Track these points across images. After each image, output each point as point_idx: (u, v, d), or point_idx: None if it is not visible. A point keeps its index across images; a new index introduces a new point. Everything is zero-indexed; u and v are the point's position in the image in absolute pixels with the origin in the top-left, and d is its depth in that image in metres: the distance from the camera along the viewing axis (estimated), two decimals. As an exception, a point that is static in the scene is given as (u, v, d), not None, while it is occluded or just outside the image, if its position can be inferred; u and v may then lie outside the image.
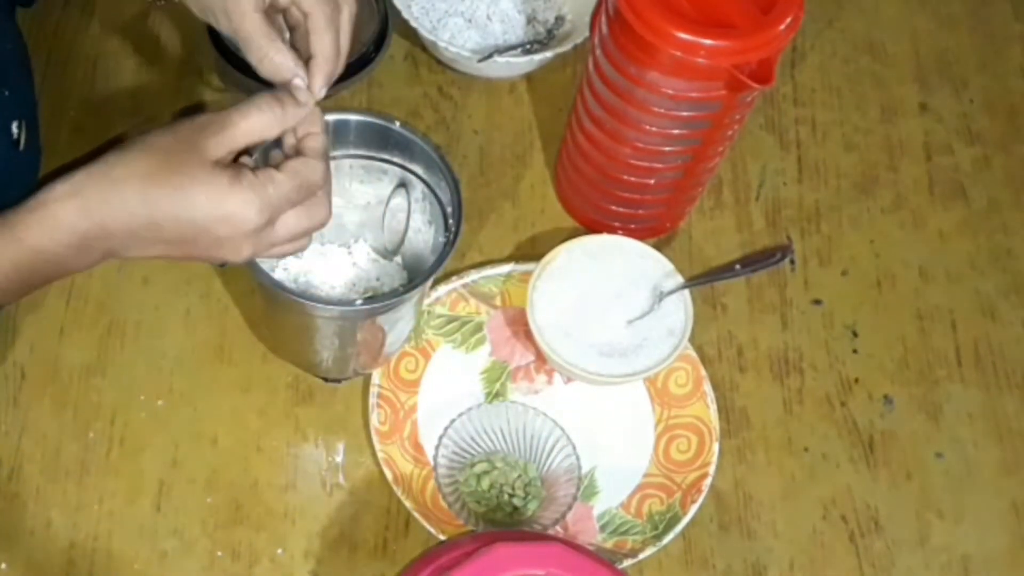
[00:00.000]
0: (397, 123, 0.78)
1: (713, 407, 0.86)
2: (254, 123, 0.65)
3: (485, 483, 0.83)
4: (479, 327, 0.89)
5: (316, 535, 0.81)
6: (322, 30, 0.70)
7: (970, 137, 1.04)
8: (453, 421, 0.84)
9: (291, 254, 0.71)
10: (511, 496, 0.83)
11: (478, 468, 0.84)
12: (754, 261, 0.92)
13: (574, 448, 0.83)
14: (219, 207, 0.63)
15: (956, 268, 0.98)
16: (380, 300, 0.75)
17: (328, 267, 0.85)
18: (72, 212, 0.63)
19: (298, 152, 0.68)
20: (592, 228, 0.93)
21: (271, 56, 0.69)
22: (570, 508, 0.81)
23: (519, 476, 0.84)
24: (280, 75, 0.69)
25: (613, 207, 0.91)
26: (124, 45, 0.98)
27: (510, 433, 0.84)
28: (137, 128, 0.65)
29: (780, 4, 0.75)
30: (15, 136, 0.83)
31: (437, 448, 0.83)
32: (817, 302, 0.95)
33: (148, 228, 0.64)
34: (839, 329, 0.94)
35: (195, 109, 0.76)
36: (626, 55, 0.78)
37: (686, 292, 0.86)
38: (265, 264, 0.77)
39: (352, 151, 0.80)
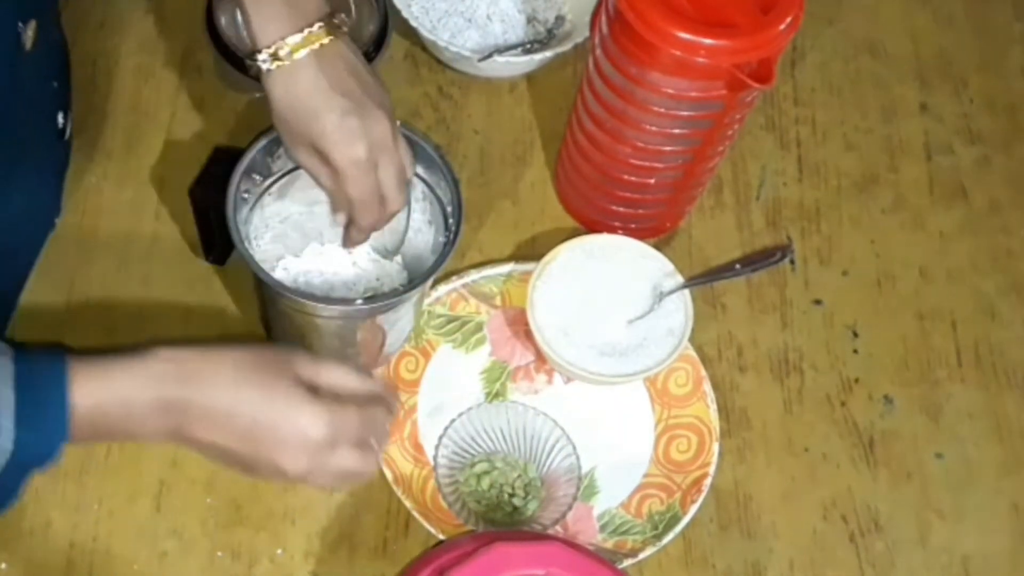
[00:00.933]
0: (397, 123, 0.78)
1: (713, 407, 0.86)
2: (341, 375, 0.69)
3: (485, 483, 0.83)
4: (479, 327, 0.89)
5: (316, 535, 0.81)
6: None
7: (970, 137, 1.04)
8: (453, 421, 0.84)
9: (333, 488, 0.77)
10: (511, 496, 0.83)
11: (478, 468, 0.84)
12: (754, 261, 0.92)
13: (574, 448, 0.83)
14: (293, 413, 0.67)
15: (956, 268, 0.97)
16: (380, 300, 0.75)
17: (328, 267, 0.85)
18: (167, 374, 0.66)
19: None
20: (592, 228, 0.93)
21: None
22: (570, 508, 0.81)
23: (519, 476, 0.84)
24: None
25: (613, 207, 0.91)
26: (124, 45, 0.98)
27: (510, 433, 0.84)
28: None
29: (780, 4, 0.75)
30: (61, 125, 0.87)
31: (437, 448, 0.83)
32: (817, 302, 0.95)
33: (225, 415, 0.67)
34: (839, 329, 0.94)
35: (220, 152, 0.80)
36: (626, 55, 0.78)
37: (686, 292, 0.86)
38: (265, 264, 0.77)
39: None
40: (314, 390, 0.68)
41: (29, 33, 0.77)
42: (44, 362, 0.64)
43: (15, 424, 0.62)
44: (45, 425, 0.63)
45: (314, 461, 0.68)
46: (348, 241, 0.80)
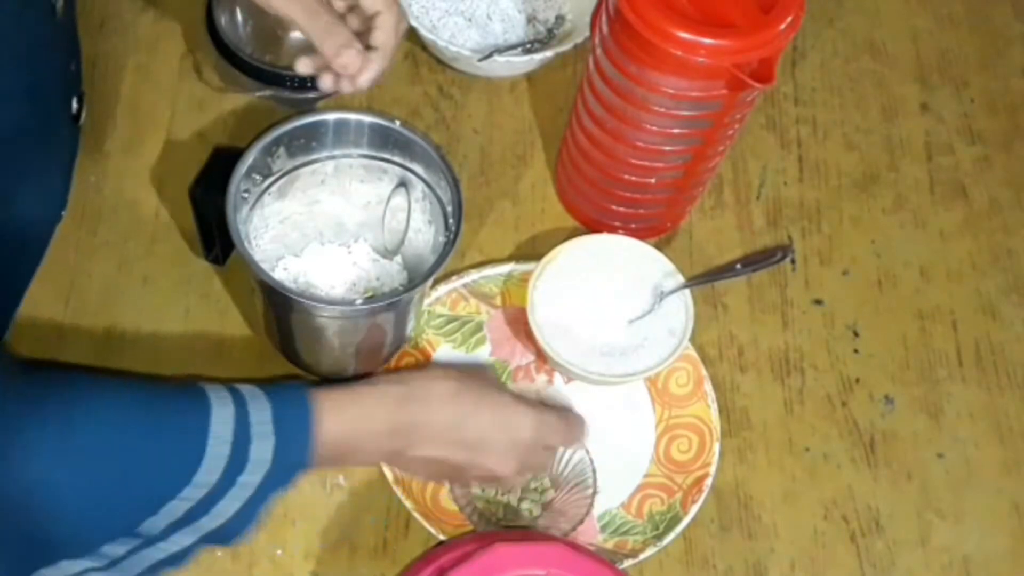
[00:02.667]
0: (397, 122, 0.78)
1: (714, 407, 0.86)
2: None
3: (493, 489, 0.83)
4: (479, 327, 0.89)
5: (316, 535, 0.81)
6: (389, 29, 0.76)
7: (971, 137, 1.04)
8: None
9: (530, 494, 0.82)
10: (520, 501, 0.83)
11: None
12: (755, 261, 0.92)
13: (592, 462, 0.84)
14: (505, 413, 0.76)
15: (957, 268, 0.97)
16: (380, 300, 0.75)
17: (328, 267, 0.85)
18: (398, 398, 0.72)
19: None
20: (593, 228, 0.93)
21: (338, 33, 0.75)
22: (588, 514, 0.82)
23: (531, 480, 0.83)
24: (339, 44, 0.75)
25: (614, 206, 0.91)
26: (124, 45, 0.98)
27: None
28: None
29: (781, 3, 0.75)
30: (75, 111, 0.88)
31: None
32: (818, 302, 0.94)
33: (450, 429, 0.73)
34: (840, 329, 0.93)
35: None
36: (627, 54, 0.78)
37: (687, 292, 0.86)
38: (265, 264, 0.77)
39: (352, 150, 0.80)
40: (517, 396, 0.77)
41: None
42: (291, 396, 0.69)
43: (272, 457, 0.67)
44: (292, 454, 0.68)
45: (524, 460, 0.76)
46: (335, 83, 0.78)
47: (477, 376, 0.77)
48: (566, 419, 0.81)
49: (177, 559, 0.67)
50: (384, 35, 0.77)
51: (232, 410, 0.66)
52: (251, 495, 0.66)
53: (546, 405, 0.80)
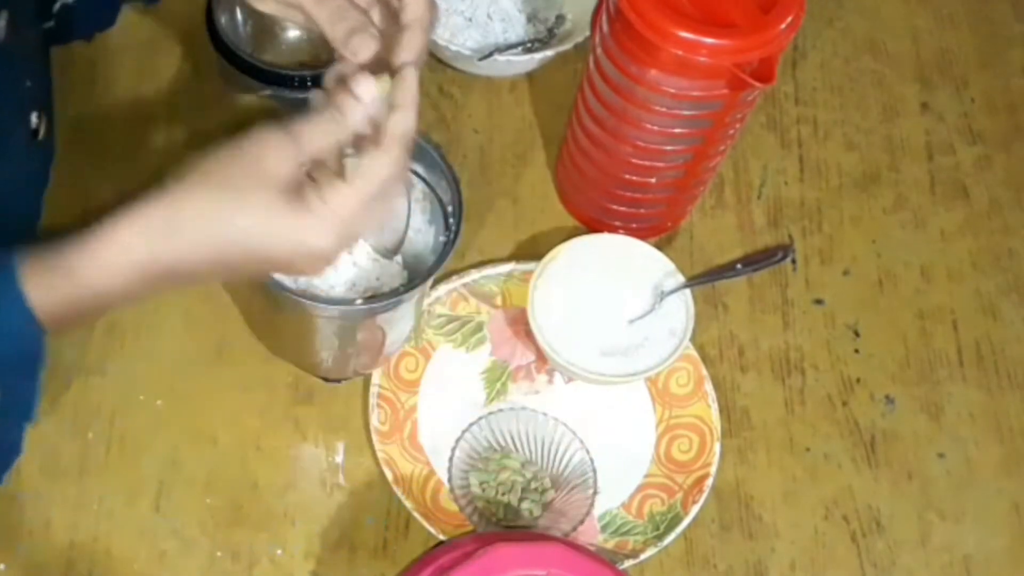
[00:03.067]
0: None
1: (714, 407, 0.86)
2: (316, 130, 0.61)
3: (494, 489, 0.83)
4: (479, 327, 0.89)
5: (316, 535, 0.81)
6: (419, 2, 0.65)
7: (971, 137, 1.04)
8: (472, 424, 0.84)
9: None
10: (520, 501, 0.83)
11: (491, 470, 0.83)
12: (755, 260, 0.92)
13: (592, 463, 0.83)
14: (292, 237, 0.60)
15: (957, 268, 0.97)
16: (380, 300, 0.75)
17: (328, 267, 0.85)
18: (135, 252, 0.59)
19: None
20: (593, 227, 0.93)
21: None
22: (588, 514, 0.81)
23: (532, 480, 0.83)
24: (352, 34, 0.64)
25: (614, 206, 0.91)
26: (124, 45, 0.98)
27: (528, 439, 0.85)
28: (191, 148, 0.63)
29: (781, 3, 0.75)
30: (35, 126, 0.84)
31: (454, 449, 0.83)
32: (818, 302, 0.94)
33: (214, 263, 0.61)
34: (840, 329, 0.93)
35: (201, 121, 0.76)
36: (627, 54, 0.78)
37: (687, 292, 0.86)
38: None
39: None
40: (300, 188, 0.60)
41: (1, 23, 0.74)
42: None
43: None
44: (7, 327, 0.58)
45: (340, 248, 0.62)
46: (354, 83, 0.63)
47: (243, 181, 0.60)
48: (374, 186, 0.61)
49: None
50: (415, 6, 0.65)
51: None
52: None
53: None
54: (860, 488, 0.87)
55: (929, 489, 0.88)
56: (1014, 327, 0.95)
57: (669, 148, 0.83)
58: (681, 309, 0.85)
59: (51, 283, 0.59)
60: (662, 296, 0.86)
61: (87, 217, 0.73)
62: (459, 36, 1.00)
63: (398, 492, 0.81)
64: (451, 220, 0.77)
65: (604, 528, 0.83)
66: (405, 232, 0.83)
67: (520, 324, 0.89)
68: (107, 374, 0.84)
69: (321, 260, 0.62)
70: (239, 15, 0.93)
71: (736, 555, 0.84)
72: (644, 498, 0.84)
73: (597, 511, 0.84)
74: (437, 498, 0.82)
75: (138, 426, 0.83)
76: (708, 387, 0.87)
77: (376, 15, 0.68)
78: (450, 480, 0.83)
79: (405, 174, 0.65)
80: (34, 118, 0.85)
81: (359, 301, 0.75)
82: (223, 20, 0.91)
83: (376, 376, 0.84)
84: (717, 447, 0.84)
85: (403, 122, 0.62)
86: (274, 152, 0.60)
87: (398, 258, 0.86)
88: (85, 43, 0.97)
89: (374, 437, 0.82)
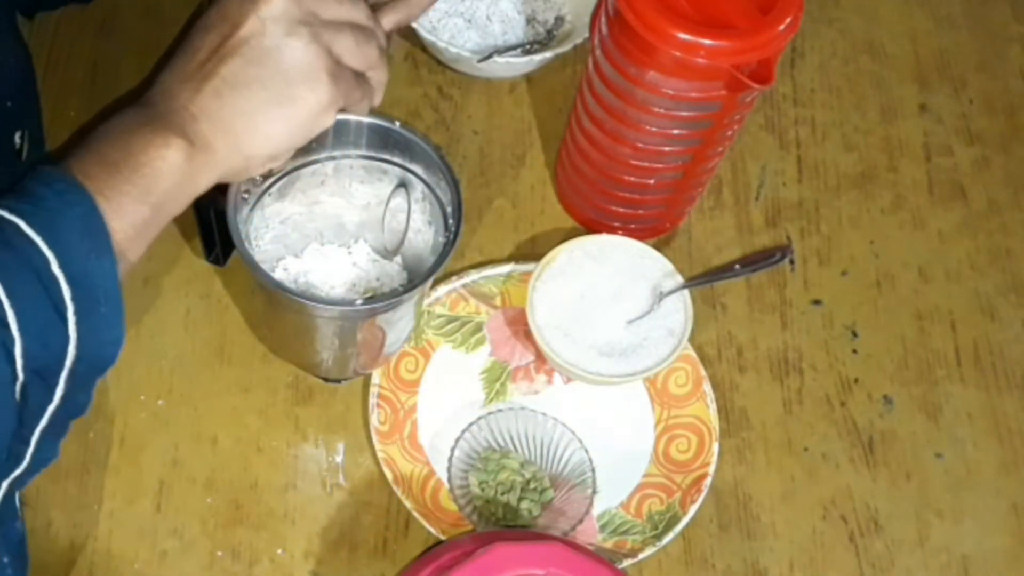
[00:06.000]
0: (397, 123, 0.78)
1: (713, 407, 0.86)
2: None
3: (493, 488, 0.83)
4: (479, 327, 0.89)
5: (316, 535, 0.81)
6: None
7: (970, 137, 1.04)
8: (471, 424, 0.84)
9: (348, 50, 0.65)
10: (520, 501, 0.83)
11: (490, 470, 0.84)
12: (754, 261, 0.92)
13: (591, 464, 0.83)
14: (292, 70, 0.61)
15: (956, 268, 0.98)
16: (380, 300, 0.75)
17: (328, 267, 0.85)
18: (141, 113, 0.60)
19: None
20: (592, 228, 0.93)
21: None
22: (587, 513, 0.82)
23: (531, 480, 0.84)
24: None
25: (613, 207, 0.91)
26: (124, 45, 0.98)
27: (527, 438, 0.85)
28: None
29: (780, 4, 0.75)
30: (17, 146, 0.83)
31: (453, 449, 0.83)
32: (817, 302, 0.95)
33: (192, 53, 0.61)
34: (839, 329, 0.94)
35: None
36: (626, 55, 0.78)
37: (686, 292, 0.86)
38: (265, 264, 0.77)
39: (352, 151, 0.80)
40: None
41: None
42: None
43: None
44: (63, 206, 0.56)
45: (310, 27, 0.61)
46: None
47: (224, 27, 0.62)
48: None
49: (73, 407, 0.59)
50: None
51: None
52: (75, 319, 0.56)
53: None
54: (858, 488, 0.87)
55: (927, 489, 0.88)
56: (1012, 327, 0.95)
57: (668, 149, 0.83)
58: (680, 309, 0.86)
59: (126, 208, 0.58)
60: (661, 297, 0.86)
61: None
62: (458, 38, 1.00)
63: (398, 492, 0.81)
64: (451, 220, 0.78)
65: (603, 528, 0.83)
66: (405, 232, 0.84)
67: (519, 324, 0.89)
68: (107, 374, 0.84)
69: (285, 18, 0.61)
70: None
71: (734, 555, 0.84)
72: (643, 498, 0.84)
73: (596, 511, 0.84)
74: (437, 498, 0.82)
75: (138, 426, 0.83)
76: (707, 387, 0.87)
77: None
78: (450, 480, 0.83)
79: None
80: (17, 138, 0.82)
81: (359, 301, 0.75)
82: (223, 21, 0.91)
83: (376, 376, 0.85)
84: (715, 447, 0.85)
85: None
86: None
87: (398, 258, 0.86)
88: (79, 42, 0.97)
89: (374, 437, 0.83)
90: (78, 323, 0.56)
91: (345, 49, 0.63)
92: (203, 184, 0.62)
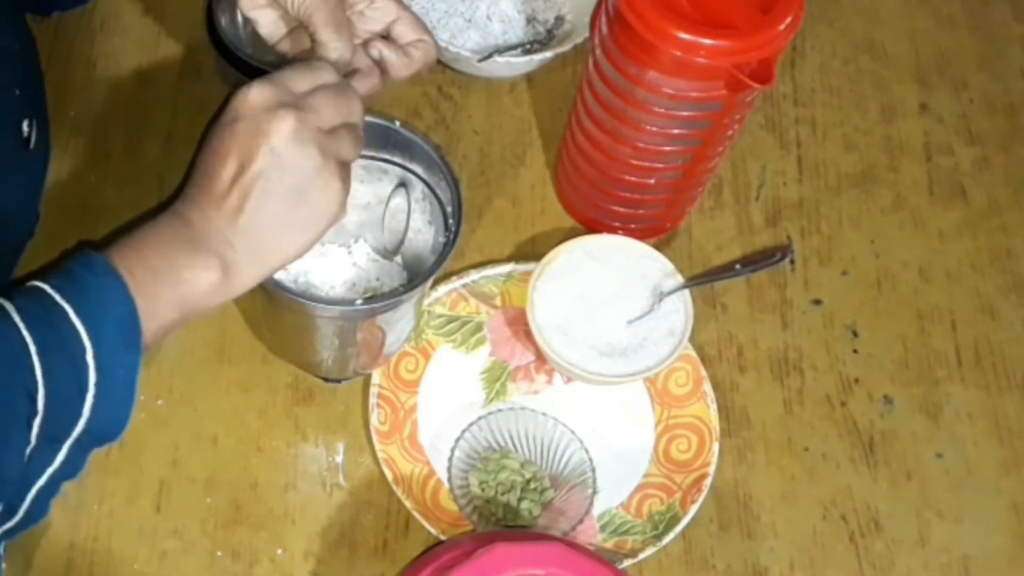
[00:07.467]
0: (397, 123, 0.78)
1: (713, 407, 0.86)
2: (296, 76, 0.67)
3: (493, 488, 0.83)
4: (479, 327, 0.89)
5: (316, 535, 0.81)
6: (421, 59, 0.75)
7: (970, 137, 1.04)
8: (471, 424, 0.84)
9: (348, 152, 0.68)
10: (520, 501, 0.83)
11: (491, 470, 0.83)
12: (754, 261, 0.92)
13: (592, 464, 0.83)
14: (237, 95, 0.64)
15: (956, 268, 0.98)
16: (380, 300, 0.75)
17: (328, 267, 0.85)
18: (181, 226, 0.64)
19: None
20: (592, 228, 0.93)
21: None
22: (587, 513, 0.82)
23: (531, 480, 0.84)
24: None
25: (613, 207, 0.91)
26: (124, 45, 0.98)
27: (527, 439, 0.85)
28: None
29: (780, 4, 0.75)
30: (26, 134, 0.84)
31: (453, 449, 0.83)
32: (817, 302, 0.95)
33: (203, 171, 0.64)
34: (839, 329, 0.94)
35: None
36: (626, 55, 0.78)
37: (686, 292, 0.86)
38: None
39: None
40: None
41: None
42: (68, 262, 0.62)
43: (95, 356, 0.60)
44: (107, 305, 0.61)
45: (299, 118, 0.64)
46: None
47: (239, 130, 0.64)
48: (334, 88, 0.67)
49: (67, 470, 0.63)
50: (420, 55, 0.75)
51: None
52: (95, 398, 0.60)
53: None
54: (859, 488, 0.87)
55: (928, 489, 0.88)
56: (1013, 327, 0.95)
57: (668, 149, 0.83)
58: (680, 309, 0.86)
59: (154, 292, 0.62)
60: (661, 296, 0.86)
61: (83, 217, 0.72)
62: (459, 37, 1.00)
63: (398, 492, 0.81)
64: (451, 220, 0.78)
65: (603, 528, 0.83)
66: (405, 232, 0.84)
67: (519, 324, 0.89)
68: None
69: (275, 112, 0.64)
70: (239, 15, 0.93)
71: (735, 555, 0.84)
72: (643, 498, 0.84)
73: (596, 511, 0.84)
74: (437, 498, 0.82)
75: (138, 426, 0.83)
76: (707, 387, 0.87)
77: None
78: (450, 480, 0.83)
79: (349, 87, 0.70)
80: (25, 126, 0.84)
81: (359, 301, 0.75)
82: (223, 20, 0.91)
83: (376, 376, 0.85)
84: (716, 447, 0.85)
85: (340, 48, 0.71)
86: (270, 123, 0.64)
87: (398, 258, 0.86)
88: (82, 43, 0.97)
89: (374, 437, 0.83)
90: (94, 404, 0.60)
91: (347, 151, 0.67)
92: (229, 298, 0.66)
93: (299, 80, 0.66)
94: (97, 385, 0.60)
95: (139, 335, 0.61)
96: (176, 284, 0.63)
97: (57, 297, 0.60)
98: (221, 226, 0.64)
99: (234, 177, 0.63)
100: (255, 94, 0.64)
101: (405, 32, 0.75)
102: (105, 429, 0.62)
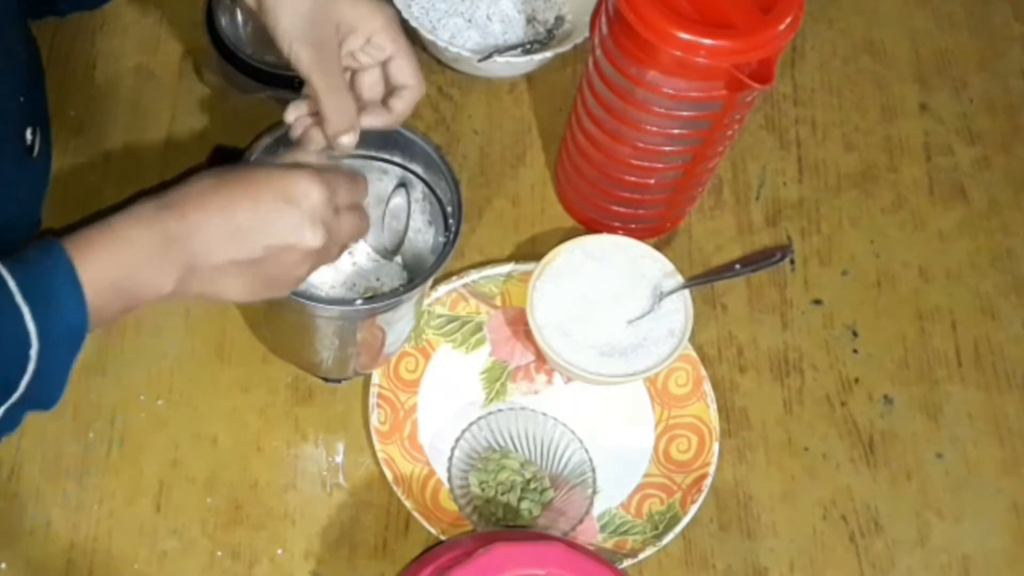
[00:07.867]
0: None
1: (713, 407, 0.86)
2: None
3: (493, 488, 0.83)
4: (479, 327, 0.89)
5: (316, 535, 0.81)
6: (410, 103, 0.76)
7: (970, 137, 1.04)
8: (471, 424, 0.84)
9: (332, 261, 0.72)
10: (520, 501, 0.83)
11: (491, 470, 0.83)
12: (754, 261, 0.92)
13: (592, 464, 0.83)
14: (285, 180, 0.66)
15: (956, 268, 0.98)
16: (380, 300, 0.75)
17: (328, 267, 0.85)
18: (153, 211, 0.64)
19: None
20: (592, 228, 0.93)
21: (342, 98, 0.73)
22: (587, 513, 0.82)
23: (531, 480, 0.84)
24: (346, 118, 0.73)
25: (613, 207, 0.91)
26: (124, 45, 0.98)
27: (527, 439, 0.85)
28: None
29: (780, 4, 0.75)
30: (29, 142, 0.84)
31: (453, 449, 0.83)
32: (817, 302, 0.95)
33: (222, 212, 0.65)
34: (839, 329, 0.94)
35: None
36: (626, 55, 0.78)
37: (686, 292, 0.86)
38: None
39: (352, 151, 0.80)
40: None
41: None
42: (38, 256, 0.62)
43: (34, 322, 0.60)
44: (63, 313, 0.62)
45: (327, 226, 0.67)
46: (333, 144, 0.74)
47: (239, 167, 0.68)
48: (345, 173, 0.71)
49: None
50: (404, 106, 0.76)
51: None
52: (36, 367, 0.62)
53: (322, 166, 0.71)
54: (859, 488, 0.87)
55: (928, 489, 0.88)
56: (1012, 327, 0.95)
57: (668, 149, 0.83)
58: (680, 309, 0.86)
59: (93, 261, 0.63)
60: (661, 296, 0.86)
61: (83, 217, 0.73)
62: (459, 37, 1.00)
63: (398, 492, 0.81)
64: (451, 220, 0.78)
65: (603, 528, 0.83)
66: (405, 232, 0.84)
67: (519, 324, 0.89)
68: (107, 374, 0.85)
69: (312, 215, 0.66)
70: (239, 15, 0.93)
71: (735, 555, 0.84)
72: (643, 498, 0.84)
73: (596, 511, 0.84)
74: (437, 498, 0.82)
75: (138, 426, 0.83)
76: (707, 387, 0.87)
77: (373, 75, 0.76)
78: (450, 480, 0.83)
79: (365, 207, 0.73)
80: (28, 134, 0.84)
81: (359, 301, 0.75)
82: (223, 20, 0.91)
83: (376, 376, 0.85)
84: (716, 447, 0.85)
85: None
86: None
87: (398, 258, 0.86)
88: (83, 42, 0.97)
89: (374, 437, 0.83)
90: (29, 383, 0.62)
91: (348, 234, 0.70)
92: (175, 301, 0.67)
93: (345, 194, 0.69)
94: (35, 373, 0.61)
95: (83, 340, 0.63)
96: (132, 297, 0.64)
97: (18, 298, 0.60)
98: (207, 274, 0.65)
99: (244, 233, 0.65)
100: (318, 195, 0.66)
101: (396, 73, 0.75)
102: (38, 404, 0.64)
